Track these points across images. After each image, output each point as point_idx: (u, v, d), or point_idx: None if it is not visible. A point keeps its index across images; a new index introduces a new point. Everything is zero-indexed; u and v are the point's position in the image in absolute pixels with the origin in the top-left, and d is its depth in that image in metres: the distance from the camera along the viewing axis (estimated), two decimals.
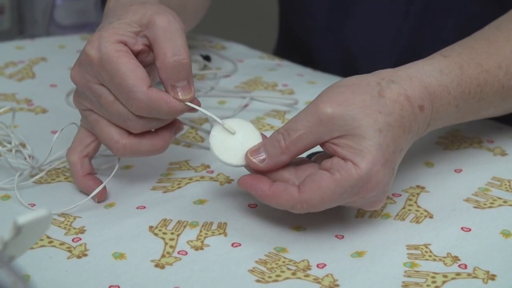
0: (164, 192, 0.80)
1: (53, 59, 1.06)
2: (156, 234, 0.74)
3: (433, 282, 0.69)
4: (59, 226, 0.75)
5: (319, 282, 0.69)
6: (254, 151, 0.72)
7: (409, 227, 0.75)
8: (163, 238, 0.73)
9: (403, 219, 0.76)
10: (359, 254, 0.72)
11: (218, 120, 0.74)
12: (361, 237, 0.74)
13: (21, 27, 1.43)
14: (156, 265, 0.70)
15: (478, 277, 0.69)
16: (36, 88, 0.99)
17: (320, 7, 1.10)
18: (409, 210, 0.77)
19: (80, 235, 0.74)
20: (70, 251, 0.72)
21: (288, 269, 0.70)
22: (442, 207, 0.78)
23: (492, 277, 0.69)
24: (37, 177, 0.80)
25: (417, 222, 0.76)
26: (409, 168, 0.83)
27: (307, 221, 0.75)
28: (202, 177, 0.82)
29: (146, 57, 0.76)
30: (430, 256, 0.72)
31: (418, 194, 0.80)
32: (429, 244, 0.73)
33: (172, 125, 0.77)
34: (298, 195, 0.69)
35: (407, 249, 0.72)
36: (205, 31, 1.14)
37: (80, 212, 0.77)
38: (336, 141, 0.70)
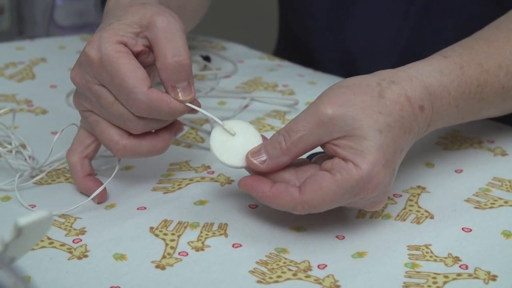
0: (165, 193, 0.80)
1: (53, 59, 1.06)
2: (156, 235, 0.74)
3: (434, 282, 0.69)
4: (60, 227, 0.75)
5: (320, 283, 0.69)
6: (255, 152, 0.72)
7: (410, 228, 0.75)
8: (163, 239, 0.73)
9: (404, 220, 0.76)
10: (360, 254, 0.72)
11: (219, 121, 0.74)
12: (362, 237, 0.74)
13: (20, 28, 1.43)
14: (157, 266, 0.70)
15: (479, 278, 0.69)
16: (36, 89, 0.99)
17: (320, 7, 1.10)
18: (410, 210, 0.77)
19: (80, 236, 0.74)
20: (70, 252, 0.72)
21: (289, 269, 0.70)
22: (442, 207, 0.78)
23: (493, 278, 0.69)
24: (37, 178, 0.80)
25: (418, 222, 0.76)
26: (409, 168, 0.83)
27: (308, 221, 0.75)
28: (203, 178, 0.82)
29: (146, 58, 0.76)
30: (431, 256, 0.72)
31: (418, 194, 0.80)
32: (430, 245, 0.73)
33: (172, 126, 0.77)
34: (299, 196, 0.69)
35: (408, 249, 0.72)
36: (205, 31, 1.14)
37: (81, 213, 0.77)
38: (337, 142, 0.70)
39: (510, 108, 0.83)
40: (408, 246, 0.73)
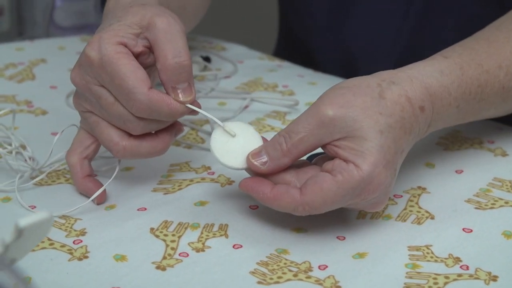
0: (165, 193, 0.80)
1: (53, 60, 1.06)
2: (157, 236, 0.74)
3: (435, 283, 0.69)
4: (60, 228, 0.75)
5: (320, 284, 0.69)
6: (256, 154, 0.72)
7: (410, 228, 0.75)
8: (164, 240, 0.73)
9: (405, 220, 0.76)
10: (360, 255, 0.72)
11: (219, 122, 0.74)
12: (363, 238, 0.74)
13: (20, 29, 1.43)
14: (157, 267, 0.70)
15: (480, 278, 0.69)
16: (36, 90, 0.99)
17: (320, 7, 1.10)
18: (410, 211, 0.77)
19: (81, 237, 0.74)
20: (71, 253, 0.72)
21: (290, 270, 0.70)
22: (443, 208, 0.78)
23: (494, 278, 0.69)
24: (37, 179, 0.80)
25: (418, 223, 0.76)
26: (410, 169, 0.83)
27: (309, 222, 0.75)
28: (203, 179, 0.82)
29: (146, 58, 0.75)
30: (431, 257, 0.72)
31: (419, 195, 0.80)
32: (431, 245, 0.73)
33: (172, 127, 0.77)
34: (300, 198, 0.69)
35: (409, 250, 0.72)
36: (205, 31, 1.14)
37: (81, 214, 0.77)
38: (338, 143, 0.70)
39: (510, 108, 0.83)
40: (408, 247, 0.73)
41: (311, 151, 0.71)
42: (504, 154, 0.86)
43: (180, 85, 0.73)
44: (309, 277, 0.69)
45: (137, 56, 0.74)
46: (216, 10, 1.16)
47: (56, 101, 0.96)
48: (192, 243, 0.73)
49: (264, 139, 0.73)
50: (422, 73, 0.74)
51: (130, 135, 0.75)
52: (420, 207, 0.78)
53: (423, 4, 1.04)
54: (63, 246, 0.73)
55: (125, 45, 0.73)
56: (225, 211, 0.77)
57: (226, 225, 0.75)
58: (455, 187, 0.81)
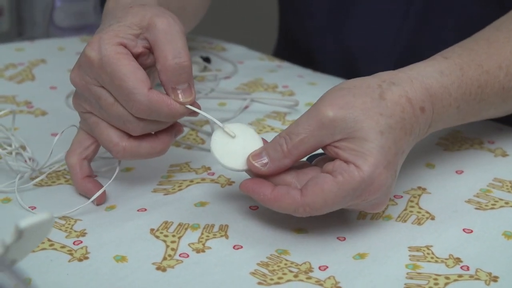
0: (165, 194, 0.80)
1: (52, 61, 1.06)
2: (157, 237, 0.74)
3: (436, 284, 0.69)
4: (60, 229, 0.75)
5: (321, 285, 0.69)
6: (256, 155, 0.72)
7: (410, 229, 0.75)
8: (164, 241, 0.73)
9: (405, 221, 0.76)
10: (361, 256, 0.72)
11: (219, 123, 0.74)
12: (363, 239, 0.74)
13: (20, 29, 1.43)
14: (158, 268, 0.70)
15: (480, 279, 0.69)
16: (36, 90, 0.99)
17: (320, 7, 1.10)
18: (411, 211, 0.77)
19: (81, 238, 0.74)
20: (71, 254, 0.72)
21: (290, 271, 0.70)
22: (443, 208, 0.78)
23: (495, 279, 0.69)
24: (37, 179, 0.80)
25: (419, 223, 0.76)
26: (410, 169, 0.83)
27: (309, 223, 0.75)
28: (203, 179, 0.82)
29: (146, 59, 0.75)
30: (432, 257, 0.72)
31: (419, 195, 0.80)
32: (431, 246, 0.73)
33: (172, 128, 0.77)
34: (300, 199, 0.69)
35: (409, 250, 0.72)
36: (205, 32, 1.14)
37: (81, 215, 0.77)
38: (338, 144, 0.70)
39: (510, 108, 0.83)
40: (409, 247, 0.73)
41: (312, 152, 0.71)
42: (504, 155, 0.86)
43: (180, 86, 0.73)
44: (309, 277, 0.69)
45: (137, 56, 0.74)
46: (216, 10, 1.16)
47: (56, 101, 0.96)
48: (193, 243, 0.73)
49: (264, 140, 0.73)
50: (422, 74, 0.74)
51: (129, 135, 0.75)
52: (420, 208, 0.78)
53: (423, 4, 1.04)
54: (63, 247, 0.73)
55: (125, 46, 0.73)
56: (225, 211, 0.77)
57: (227, 226, 0.75)
58: (455, 187, 0.81)
